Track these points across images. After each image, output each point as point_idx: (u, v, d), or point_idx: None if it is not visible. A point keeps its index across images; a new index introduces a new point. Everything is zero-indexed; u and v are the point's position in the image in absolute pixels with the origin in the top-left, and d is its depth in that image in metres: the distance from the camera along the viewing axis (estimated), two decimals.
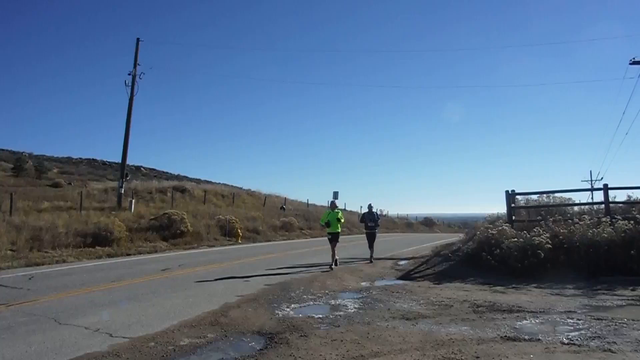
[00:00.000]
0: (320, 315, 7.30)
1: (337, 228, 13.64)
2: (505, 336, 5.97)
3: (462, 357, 5.13)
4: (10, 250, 14.65)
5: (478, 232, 13.52)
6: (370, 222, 15.66)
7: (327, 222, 13.67)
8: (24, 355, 5.20)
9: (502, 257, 11.36)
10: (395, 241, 25.70)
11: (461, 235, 18.52)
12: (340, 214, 13.79)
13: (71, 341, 5.76)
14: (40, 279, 10.55)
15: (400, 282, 11.22)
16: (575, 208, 14.53)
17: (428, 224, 57.98)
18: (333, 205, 14.15)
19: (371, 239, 15.46)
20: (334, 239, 13.53)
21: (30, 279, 10.56)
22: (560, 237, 11.45)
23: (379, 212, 18.40)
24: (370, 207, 16.10)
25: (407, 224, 53.07)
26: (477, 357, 5.11)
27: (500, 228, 12.53)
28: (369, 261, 14.82)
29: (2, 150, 55.81)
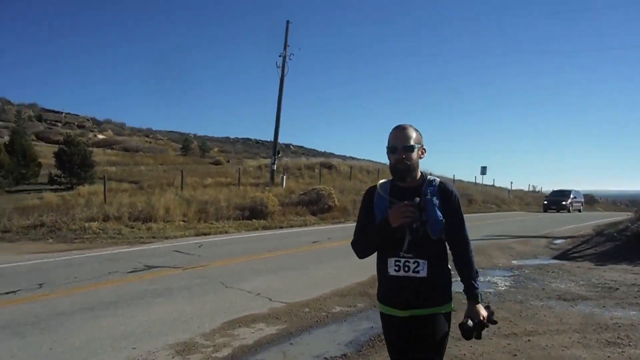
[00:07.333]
0: None
1: None
2: None
3: (630, 343, 4.72)
4: (182, 221, 16.53)
5: None
6: None
7: None
8: (200, 312, 5.93)
9: None
10: (551, 218, 23.95)
11: (629, 214, 16.68)
12: None
13: (237, 302, 6.42)
14: (208, 247, 11.79)
15: (556, 261, 10.51)
16: None
17: (588, 201, 52.84)
18: None
19: None
20: None
21: (200, 246, 11.85)
22: None
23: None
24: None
25: None
26: None
27: None
28: None
29: (173, 132, 62.61)
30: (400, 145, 2.49)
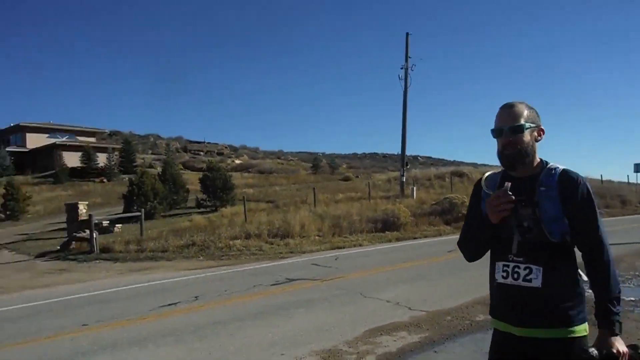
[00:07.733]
0: (632, 298, 6.47)
1: None
2: None
3: None
4: (317, 236, 17.04)
5: None
6: None
7: None
8: (342, 322, 6.04)
9: None
10: None
11: None
12: None
13: (377, 311, 6.44)
14: (344, 260, 11.99)
15: None
16: None
17: None
18: None
19: None
20: None
21: (336, 259, 12.11)
22: None
23: None
24: None
25: None
26: None
27: None
28: None
29: (303, 152, 65.22)
30: (506, 126, 1.99)
